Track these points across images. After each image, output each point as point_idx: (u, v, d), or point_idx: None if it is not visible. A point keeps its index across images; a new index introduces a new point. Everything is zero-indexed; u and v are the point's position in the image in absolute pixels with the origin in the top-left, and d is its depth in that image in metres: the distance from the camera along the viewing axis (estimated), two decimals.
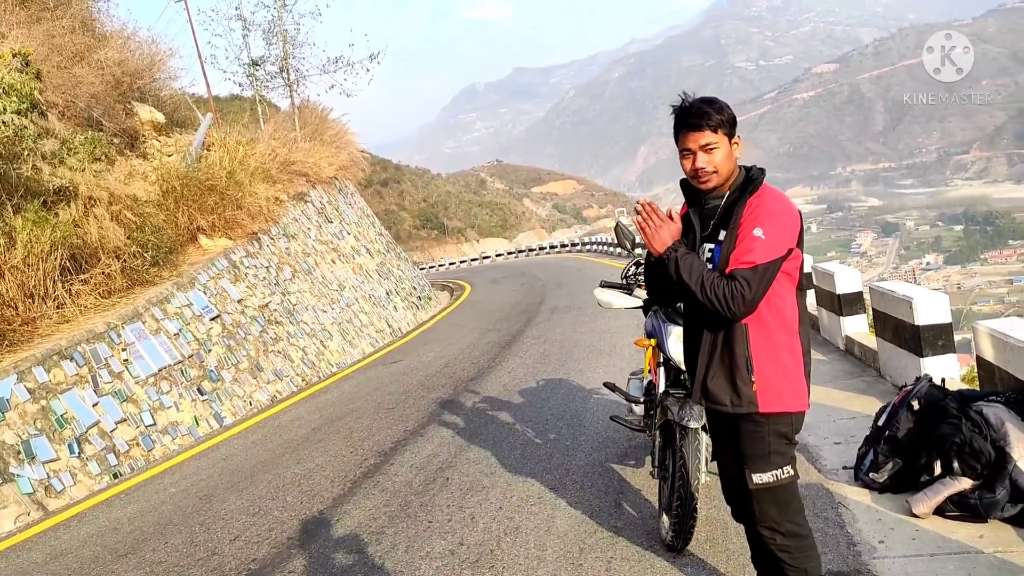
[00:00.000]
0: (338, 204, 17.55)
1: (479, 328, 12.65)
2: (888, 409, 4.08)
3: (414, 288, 19.72)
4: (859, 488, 3.94)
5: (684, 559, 3.40)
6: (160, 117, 16.70)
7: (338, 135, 21.34)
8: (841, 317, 7.21)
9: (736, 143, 2.46)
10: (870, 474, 3.93)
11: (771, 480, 2.44)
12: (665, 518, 3.50)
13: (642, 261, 4.49)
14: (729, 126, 2.41)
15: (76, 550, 4.79)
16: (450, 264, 42.17)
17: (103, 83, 14.70)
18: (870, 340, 6.53)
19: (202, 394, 8.97)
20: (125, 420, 7.77)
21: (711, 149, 2.40)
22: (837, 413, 5.27)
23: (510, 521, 4.06)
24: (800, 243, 2.43)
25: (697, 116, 2.39)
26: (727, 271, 2.34)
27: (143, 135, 15.75)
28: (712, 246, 2.46)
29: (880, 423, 4.04)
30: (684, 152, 2.44)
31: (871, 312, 6.48)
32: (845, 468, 4.23)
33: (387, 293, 17.20)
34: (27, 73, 10.17)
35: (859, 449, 4.13)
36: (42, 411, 7.04)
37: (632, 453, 4.88)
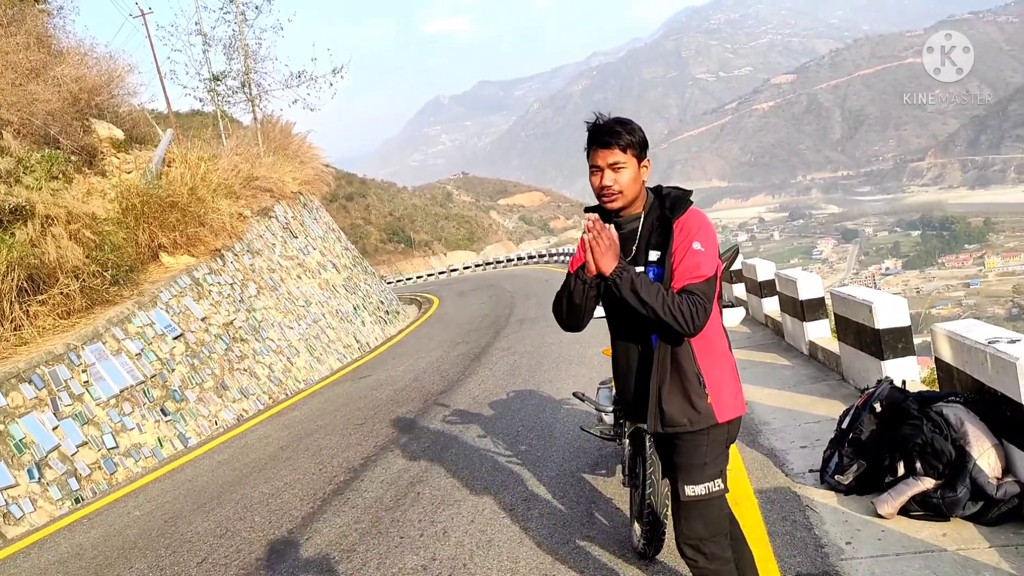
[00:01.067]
0: (303, 219, 17.41)
1: (448, 341, 12.62)
2: (851, 412, 4.15)
3: (381, 302, 19.61)
4: (825, 491, 4.00)
5: (656, 566, 3.42)
6: (119, 134, 16.42)
7: (302, 150, 21.21)
8: (804, 323, 7.33)
9: (645, 166, 2.47)
10: (836, 476, 3.99)
11: (703, 492, 2.44)
12: (637, 526, 3.51)
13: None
14: (639, 148, 2.43)
15: None
16: (418, 278, 42.03)
17: (60, 100, 14.43)
18: (833, 344, 6.64)
19: (166, 415, 8.81)
20: (86, 443, 7.60)
21: (618, 168, 2.40)
22: (802, 417, 5.35)
23: (482, 534, 4.05)
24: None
25: (608, 134, 2.40)
26: (678, 288, 2.33)
27: (102, 152, 15.47)
28: (641, 269, 2.42)
29: (844, 426, 4.11)
30: (593, 169, 2.45)
31: (833, 317, 6.60)
32: (811, 471, 4.29)
33: (354, 308, 17.08)
34: None
35: (824, 452, 4.19)
36: (0, 436, 6.85)
37: (603, 462, 4.90)
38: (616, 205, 2.45)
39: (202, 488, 6.15)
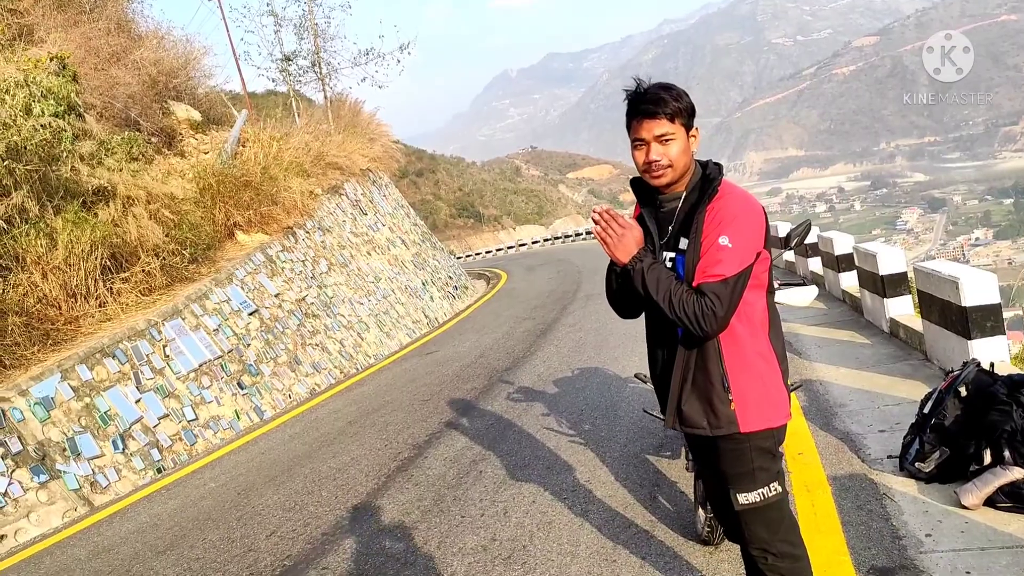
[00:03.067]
0: (372, 196, 17.61)
1: (514, 317, 12.61)
2: (934, 395, 3.92)
3: (450, 278, 19.74)
4: (905, 478, 3.80)
5: (720, 554, 3.31)
6: (196, 115, 16.92)
7: (371, 127, 21.43)
8: (885, 299, 7.00)
9: (694, 136, 2.24)
10: (916, 463, 3.78)
11: (757, 500, 2.26)
12: (701, 512, 3.41)
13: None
14: (687, 116, 2.19)
15: (117, 546, 4.88)
16: (486, 252, 42.19)
17: (139, 83, 14.93)
18: (916, 322, 6.32)
19: (242, 388, 9.08)
20: (168, 416, 7.89)
21: (666, 140, 2.17)
22: (881, 399, 5.11)
23: (543, 515, 4.01)
24: (767, 243, 2.22)
25: (652, 103, 2.15)
26: (695, 284, 2.13)
27: (180, 133, 15.97)
28: (673, 255, 2.24)
29: (926, 410, 3.88)
30: (636, 143, 2.21)
31: (916, 293, 6.27)
32: (890, 457, 4.08)
33: (423, 283, 17.24)
34: (64, 76, 10.34)
35: (904, 437, 3.98)
36: (86, 408, 7.19)
37: (668, 444, 4.79)
38: (664, 181, 2.22)
39: (274, 461, 6.31)
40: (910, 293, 7.00)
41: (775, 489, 2.27)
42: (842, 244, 8.93)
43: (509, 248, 42.09)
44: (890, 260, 7.06)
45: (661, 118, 2.15)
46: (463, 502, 4.40)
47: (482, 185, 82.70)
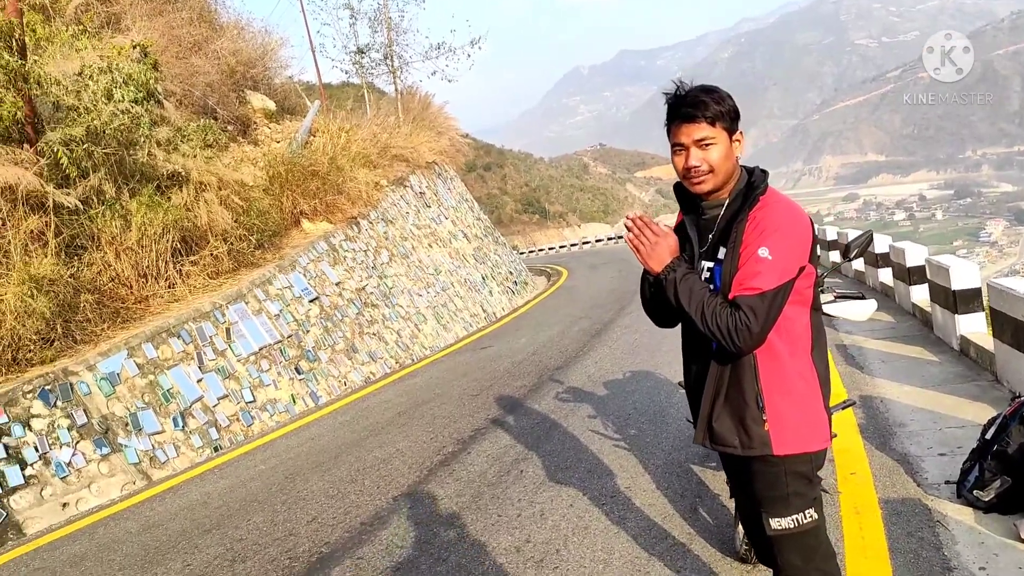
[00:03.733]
0: (437, 189, 17.76)
1: (572, 315, 12.54)
2: (998, 420, 3.71)
3: (510, 273, 19.77)
4: (961, 506, 3.61)
5: (757, 573, 3.21)
6: (271, 105, 17.38)
7: (438, 120, 21.62)
8: (956, 315, 6.68)
9: (738, 140, 2.12)
10: (974, 491, 3.59)
11: (791, 526, 2.14)
12: (740, 528, 3.30)
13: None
14: (729, 119, 2.08)
15: (167, 522, 5.04)
16: (550, 249, 42.12)
17: (218, 72, 15.43)
18: (988, 341, 6.01)
19: (299, 373, 9.27)
20: (227, 396, 8.12)
21: (707, 145, 2.07)
22: (944, 421, 4.87)
23: (580, 519, 3.96)
24: (813, 257, 2.09)
25: (692, 105, 2.06)
26: (731, 297, 2.02)
27: (255, 122, 16.43)
28: (711, 265, 2.14)
29: (988, 436, 3.68)
30: (676, 148, 2.12)
31: (989, 311, 5.96)
32: (947, 483, 3.89)
33: (483, 278, 17.31)
34: (145, 63, 10.72)
35: (963, 464, 3.78)
36: (150, 385, 7.45)
37: (713, 455, 4.66)
38: (705, 188, 2.12)
39: (323, 448, 6.43)
40: (984, 310, 6.67)
41: (811, 516, 2.15)
42: (914, 255, 8.57)
43: (573, 245, 41.92)
44: (963, 274, 6.73)
45: (701, 122, 2.06)
46: (501, 501, 4.39)
47: (549, 181, 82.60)
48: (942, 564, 3.12)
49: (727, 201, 2.16)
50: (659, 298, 2.27)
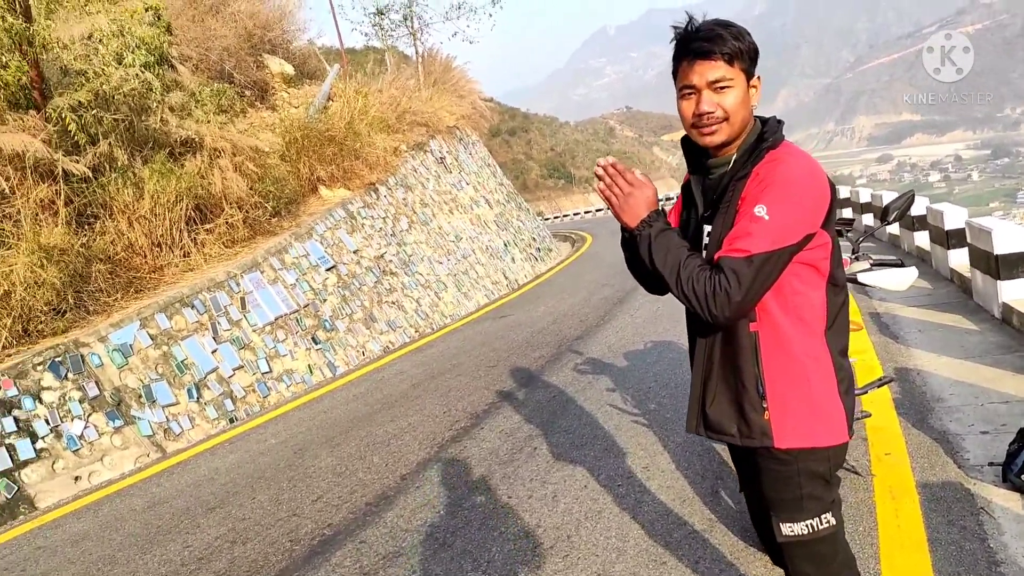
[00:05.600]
0: (458, 154, 17.44)
1: (594, 282, 12.26)
2: None
3: (533, 239, 19.47)
4: (1008, 491, 3.33)
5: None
6: (289, 69, 17.10)
7: (461, 83, 21.21)
8: (998, 281, 6.31)
9: (755, 86, 1.82)
10: (1023, 475, 3.31)
11: (804, 532, 1.88)
12: None
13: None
14: (749, 59, 1.78)
15: (172, 499, 4.92)
16: (574, 215, 41.64)
17: (235, 36, 15.17)
18: None
19: (316, 343, 9.14)
20: (242, 367, 8.01)
21: (722, 88, 1.75)
22: (986, 395, 4.56)
23: (593, 503, 3.74)
24: (828, 223, 1.78)
25: (707, 40, 1.75)
26: (715, 258, 1.73)
27: (273, 87, 16.20)
28: (710, 229, 1.85)
29: None
30: (685, 91, 1.82)
31: None
32: (992, 465, 3.60)
33: (505, 244, 17.05)
34: (158, 27, 10.49)
35: (1010, 445, 3.49)
36: (163, 357, 7.35)
37: None
38: (718, 139, 1.82)
39: (334, 421, 6.28)
40: None
41: (827, 521, 1.88)
42: (953, 218, 8.15)
43: (598, 211, 41.39)
44: (1008, 238, 6.34)
45: (717, 59, 1.75)
46: (512, 481, 4.18)
47: (574, 145, 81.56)
48: (987, 557, 2.86)
49: (735, 157, 1.86)
50: (627, 253, 2.01)
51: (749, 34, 1.79)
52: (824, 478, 1.87)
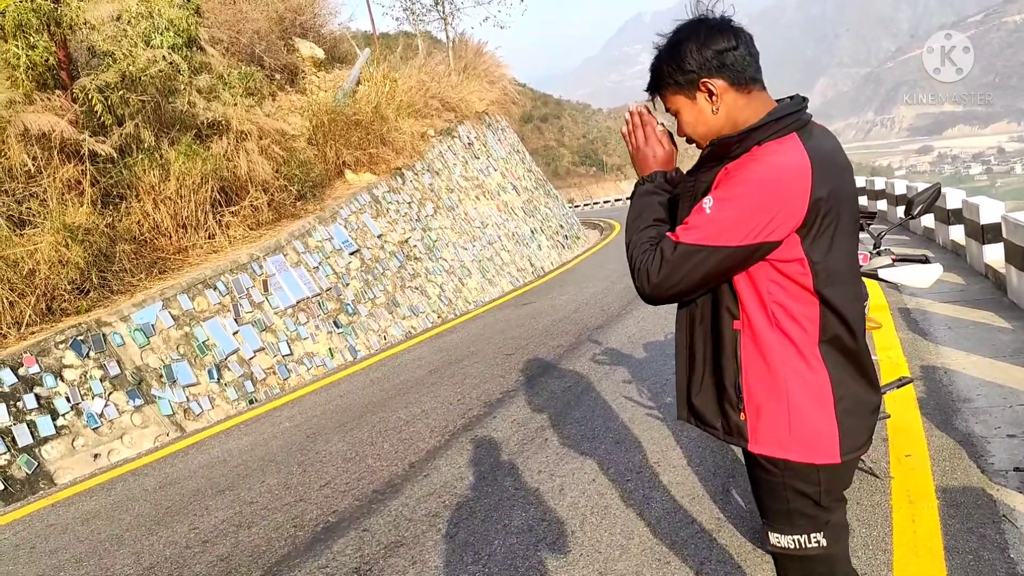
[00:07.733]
0: (486, 140, 17.34)
1: (618, 271, 12.12)
2: None
3: (561, 226, 19.34)
4: None
5: None
6: (320, 53, 17.09)
7: (491, 68, 21.05)
8: None
9: (704, 94, 1.71)
10: None
11: (791, 546, 1.78)
12: None
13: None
14: (685, 82, 1.71)
15: (184, 480, 4.95)
16: (605, 202, 41.34)
17: (266, 19, 15.19)
18: None
19: (338, 327, 9.15)
20: (263, 349, 8.04)
21: (675, 114, 1.79)
22: (1016, 397, 4.39)
23: (600, 498, 3.67)
24: (808, 239, 1.61)
25: (651, 77, 1.81)
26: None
27: (303, 71, 16.21)
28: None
29: None
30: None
31: None
32: (1017, 471, 3.46)
33: (532, 231, 16.95)
34: (187, 8, 10.52)
35: None
36: (185, 337, 7.40)
37: None
38: (703, 147, 1.84)
39: (348, 406, 6.27)
40: None
41: (816, 541, 1.77)
42: (989, 212, 7.88)
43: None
44: None
45: (664, 92, 1.79)
46: (520, 472, 4.12)
47: (607, 133, 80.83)
48: (1007, 569, 2.73)
49: (706, 151, 1.82)
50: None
51: (685, 51, 1.70)
52: (812, 499, 1.75)
